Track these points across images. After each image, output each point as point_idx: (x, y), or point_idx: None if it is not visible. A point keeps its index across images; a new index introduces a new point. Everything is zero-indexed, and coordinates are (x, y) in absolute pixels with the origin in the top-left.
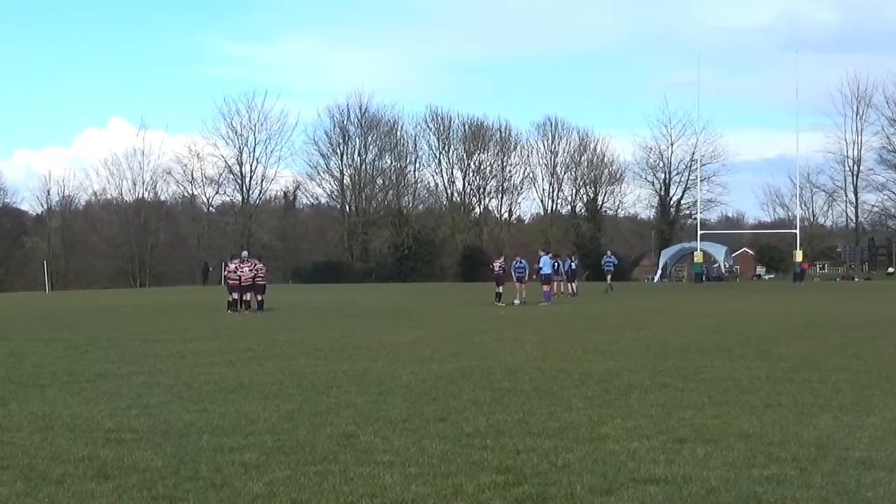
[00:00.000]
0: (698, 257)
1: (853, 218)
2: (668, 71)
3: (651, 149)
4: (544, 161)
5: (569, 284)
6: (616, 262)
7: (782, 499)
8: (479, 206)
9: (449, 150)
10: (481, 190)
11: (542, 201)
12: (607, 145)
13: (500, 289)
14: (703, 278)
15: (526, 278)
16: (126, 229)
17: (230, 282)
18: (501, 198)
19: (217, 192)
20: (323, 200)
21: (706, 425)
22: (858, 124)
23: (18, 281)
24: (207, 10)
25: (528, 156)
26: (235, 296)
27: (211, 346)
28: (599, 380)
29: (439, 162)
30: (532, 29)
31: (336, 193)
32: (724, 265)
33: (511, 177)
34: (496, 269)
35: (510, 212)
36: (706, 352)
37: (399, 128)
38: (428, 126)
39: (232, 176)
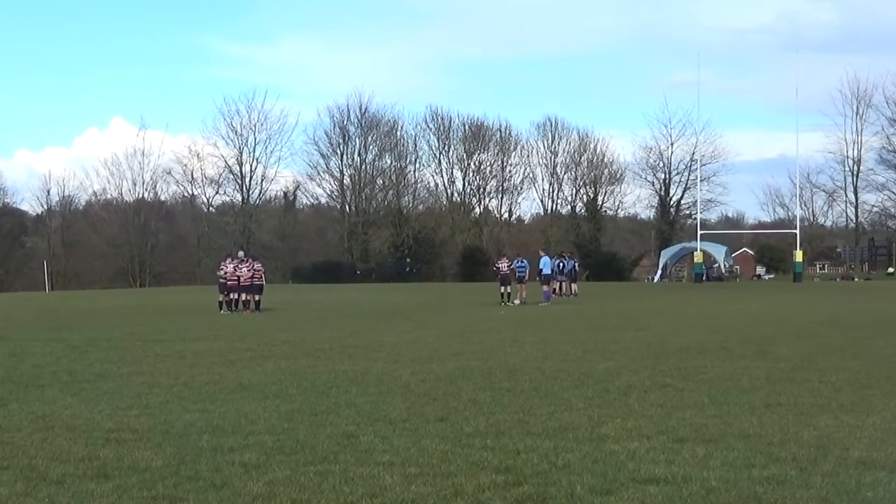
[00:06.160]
0: (698, 257)
1: (853, 218)
2: (668, 71)
3: (651, 149)
4: (544, 161)
5: (571, 285)
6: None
7: (782, 499)
8: (479, 206)
9: (449, 150)
10: (481, 190)
11: (542, 201)
12: (607, 145)
13: (504, 289)
14: (703, 278)
15: (526, 278)
16: (126, 229)
17: (229, 283)
18: (501, 198)
19: (217, 192)
20: (323, 200)
21: (706, 425)
22: (858, 124)
23: (18, 281)
24: (207, 10)
25: (528, 156)
26: (233, 296)
27: (211, 346)
28: (599, 380)
29: (439, 162)
30: (532, 29)
31: (336, 193)
32: (724, 265)
33: (511, 177)
34: (503, 269)
35: (510, 212)
36: (706, 352)
37: (399, 128)
38: (428, 126)
39: (232, 176)
